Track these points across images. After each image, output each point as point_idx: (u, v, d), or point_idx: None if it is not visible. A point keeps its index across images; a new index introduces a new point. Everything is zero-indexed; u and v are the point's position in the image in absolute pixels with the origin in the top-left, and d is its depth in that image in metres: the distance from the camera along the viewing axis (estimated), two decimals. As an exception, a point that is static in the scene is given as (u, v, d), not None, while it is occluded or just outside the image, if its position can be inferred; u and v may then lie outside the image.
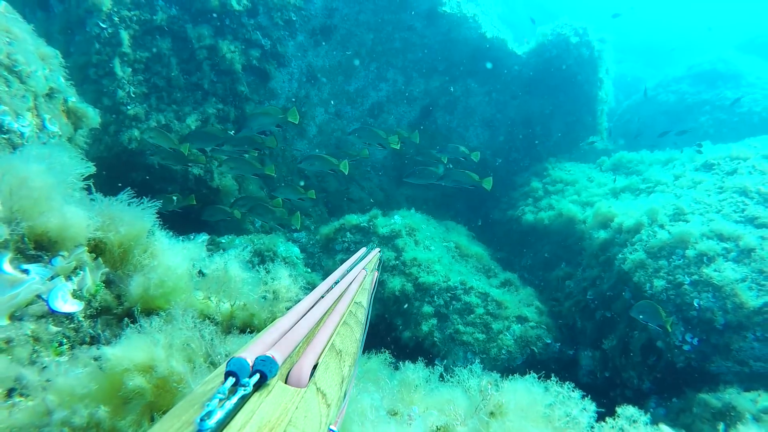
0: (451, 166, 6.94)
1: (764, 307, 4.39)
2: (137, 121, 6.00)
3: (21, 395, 1.12)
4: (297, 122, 5.55)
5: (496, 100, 9.17)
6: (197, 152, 5.51)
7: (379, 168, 8.77)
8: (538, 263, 7.51)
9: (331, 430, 0.76)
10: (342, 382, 0.89)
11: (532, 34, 9.15)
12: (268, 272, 1.83)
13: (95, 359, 1.22)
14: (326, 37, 7.77)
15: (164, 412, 1.20)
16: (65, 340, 1.31)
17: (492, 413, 1.51)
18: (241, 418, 0.57)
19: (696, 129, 12.18)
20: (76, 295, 1.39)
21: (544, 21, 9.34)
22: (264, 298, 1.78)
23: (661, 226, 5.73)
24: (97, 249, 1.49)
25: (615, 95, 12.25)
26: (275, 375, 0.69)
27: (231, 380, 0.62)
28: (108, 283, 1.48)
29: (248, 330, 1.69)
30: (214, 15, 6.48)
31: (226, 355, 1.44)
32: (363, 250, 1.90)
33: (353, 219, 6.80)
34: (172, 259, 1.56)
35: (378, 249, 2.17)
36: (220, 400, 0.56)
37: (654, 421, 1.86)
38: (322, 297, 1.10)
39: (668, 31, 22.58)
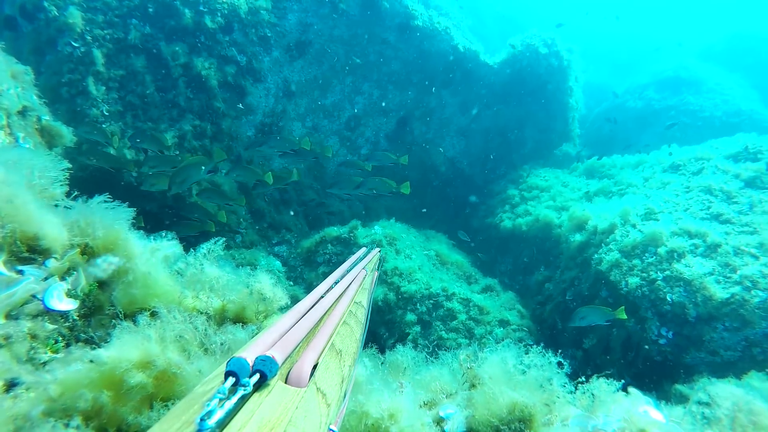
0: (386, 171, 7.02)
1: (731, 299, 4.56)
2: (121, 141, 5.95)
3: (22, 388, 1.13)
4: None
5: (471, 110, 9.37)
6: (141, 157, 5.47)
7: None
8: (518, 268, 7.64)
9: (331, 429, 0.75)
10: (342, 381, 0.89)
11: (503, 46, 9.42)
12: (251, 275, 1.86)
13: (91, 362, 1.24)
14: (301, 53, 7.86)
15: (162, 400, 1.24)
16: (60, 338, 1.33)
17: (472, 385, 1.61)
18: (241, 418, 0.57)
19: (662, 133, 12.62)
20: (71, 294, 1.41)
21: (513, 33, 9.65)
22: (251, 293, 1.81)
23: (634, 226, 5.91)
24: (87, 252, 1.52)
25: (585, 103, 12.62)
26: (275, 375, 0.69)
27: (231, 380, 0.62)
28: (101, 284, 1.51)
29: (242, 323, 1.72)
30: (189, 32, 6.53)
31: (221, 344, 1.47)
32: (363, 249, 1.89)
33: (333, 231, 6.83)
34: (153, 259, 1.59)
35: (378, 249, 2.16)
36: (220, 399, 0.56)
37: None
38: (322, 297, 1.11)
39: (633, 40, 23.40)
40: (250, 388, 0.62)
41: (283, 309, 1.96)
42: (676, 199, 6.41)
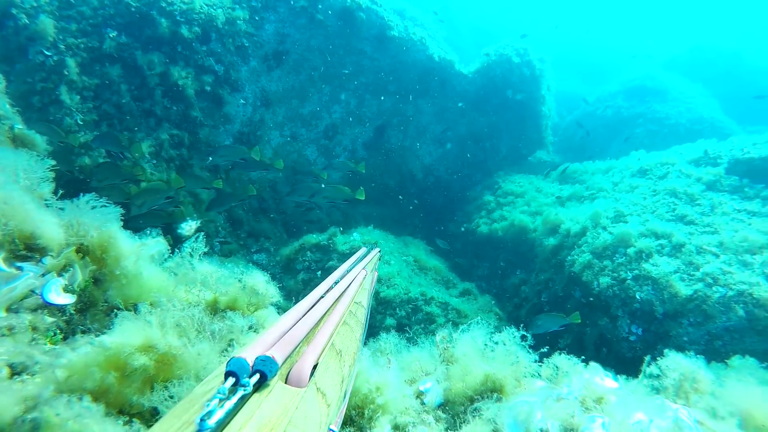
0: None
1: (694, 295, 4.78)
2: (87, 148, 5.90)
3: (28, 374, 1.18)
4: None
5: (447, 118, 9.56)
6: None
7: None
8: (494, 272, 7.80)
9: (331, 430, 0.75)
10: (342, 381, 0.89)
11: (477, 55, 9.67)
12: (244, 273, 1.94)
13: (94, 348, 1.30)
14: (279, 62, 7.93)
15: (163, 381, 1.30)
16: (58, 331, 1.38)
17: (449, 362, 1.73)
18: (241, 418, 0.57)
19: (632, 140, 13.10)
20: (68, 289, 1.46)
21: (487, 43, 9.91)
22: (244, 287, 1.89)
23: (604, 229, 6.13)
24: (82, 251, 1.56)
25: (558, 111, 12.99)
26: (275, 375, 0.69)
27: (231, 380, 0.62)
28: (95, 281, 1.55)
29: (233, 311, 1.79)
30: (165, 42, 6.53)
31: (216, 332, 1.52)
32: (363, 249, 1.90)
33: (312, 238, 6.87)
34: (143, 257, 1.64)
35: (378, 249, 2.16)
36: (220, 400, 0.56)
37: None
38: (322, 297, 1.11)
39: (603, 50, 24.19)
40: (250, 389, 0.62)
41: (275, 306, 2.03)
42: (644, 202, 6.67)
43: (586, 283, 5.68)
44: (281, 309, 2.12)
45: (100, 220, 1.59)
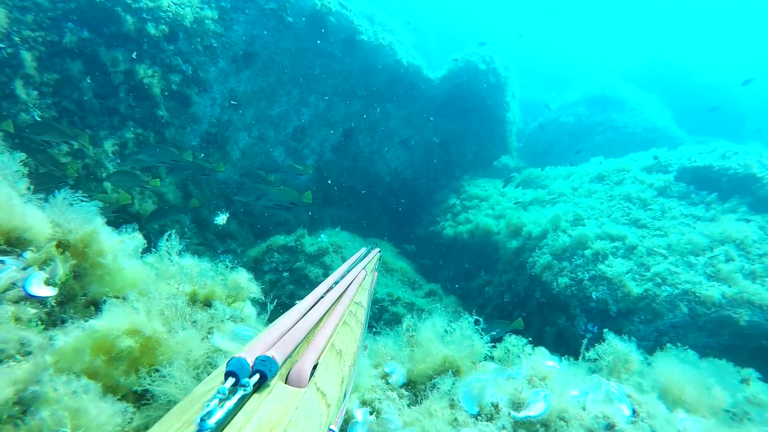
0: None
1: (644, 294, 5.07)
2: (47, 146, 5.74)
3: (14, 360, 1.21)
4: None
5: (414, 123, 9.74)
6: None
7: (304, 190, 8.92)
8: (459, 273, 7.99)
9: (331, 430, 0.76)
10: (342, 381, 0.89)
11: (445, 61, 9.90)
12: (228, 267, 2.04)
13: (83, 332, 1.36)
14: (248, 64, 7.91)
15: (148, 365, 1.36)
16: (39, 322, 1.41)
17: (412, 346, 1.91)
18: (241, 418, 0.58)
19: (592, 147, 13.66)
20: (49, 282, 1.49)
21: (455, 49, 10.17)
22: (225, 281, 1.96)
23: (564, 231, 6.39)
24: (63, 245, 1.60)
25: (522, 117, 13.40)
26: (275, 375, 0.70)
27: (231, 380, 0.62)
28: (75, 275, 1.59)
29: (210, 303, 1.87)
30: (131, 39, 6.41)
31: (195, 322, 1.58)
32: (363, 250, 1.92)
33: (280, 240, 6.88)
34: (123, 252, 1.69)
35: (378, 249, 2.19)
36: (221, 400, 0.57)
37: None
38: (322, 297, 1.11)
39: (566, 59, 25.10)
40: (250, 389, 0.62)
41: (252, 300, 2.10)
42: (601, 206, 6.99)
43: (546, 283, 5.91)
44: (258, 304, 2.20)
45: (83, 216, 1.63)
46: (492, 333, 4.48)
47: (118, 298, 1.60)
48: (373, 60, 8.77)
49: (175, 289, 1.75)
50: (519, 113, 11.62)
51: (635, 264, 5.48)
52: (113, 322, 1.34)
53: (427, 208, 9.57)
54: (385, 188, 9.75)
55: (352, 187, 9.41)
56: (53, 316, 1.48)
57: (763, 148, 7.09)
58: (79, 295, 1.57)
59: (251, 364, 0.67)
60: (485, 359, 1.90)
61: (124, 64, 6.36)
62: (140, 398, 1.34)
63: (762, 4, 34.99)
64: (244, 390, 0.61)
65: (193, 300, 1.81)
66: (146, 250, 1.91)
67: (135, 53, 6.48)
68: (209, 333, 1.63)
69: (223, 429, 0.55)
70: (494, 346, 1.96)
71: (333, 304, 1.11)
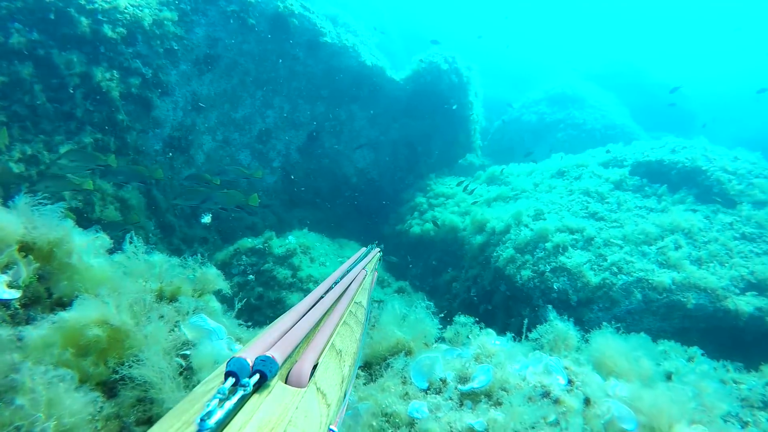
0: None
1: (602, 283, 5.31)
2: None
3: None
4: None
5: (380, 123, 9.83)
6: None
7: (271, 192, 8.90)
8: (427, 270, 8.12)
9: (331, 430, 0.75)
10: (342, 382, 0.89)
11: (409, 62, 10.04)
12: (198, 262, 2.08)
13: (53, 323, 1.38)
14: (210, 66, 7.83)
15: (117, 357, 1.39)
16: (3, 323, 1.42)
17: (373, 326, 2.05)
18: (241, 418, 0.58)
19: (554, 144, 14.08)
20: (12, 285, 1.50)
21: (419, 49, 10.32)
22: (193, 277, 2.00)
23: (526, 226, 6.60)
24: (27, 248, 1.61)
25: (487, 116, 13.68)
26: (275, 375, 0.70)
27: (231, 380, 0.62)
28: (40, 277, 1.60)
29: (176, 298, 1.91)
30: (86, 41, 6.25)
31: (165, 314, 1.62)
32: (363, 250, 1.92)
33: (248, 242, 6.85)
34: (91, 252, 1.72)
35: (378, 249, 2.18)
36: (221, 400, 0.57)
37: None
38: (322, 297, 1.11)
39: (528, 58, 25.74)
40: (250, 389, 0.62)
41: (217, 294, 2.15)
42: (561, 200, 7.25)
43: (510, 276, 6.10)
44: (226, 302, 2.24)
45: (50, 218, 1.66)
46: None
47: (88, 295, 1.63)
48: (336, 61, 8.81)
49: (143, 285, 1.78)
50: (483, 112, 11.87)
51: (593, 255, 5.72)
52: (83, 312, 1.38)
53: (395, 207, 9.69)
54: (352, 188, 9.80)
55: (319, 188, 9.43)
56: (17, 319, 1.49)
57: (708, 143, 7.51)
58: (44, 297, 1.59)
59: (251, 364, 0.67)
60: (439, 341, 2.02)
61: (80, 66, 6.20)
62: (113, 388, 1.38)
63: (706, 7, 36.96)
64: (244, 390, 0.61)
65: (160, 296, 1.85)
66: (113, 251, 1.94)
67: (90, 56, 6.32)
68: (176, 326, 1.67)
69: (223, 429, 0.55)
70: (444, 328, 2.08)
71: (333, 304, 1.11)
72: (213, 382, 0.65)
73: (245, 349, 0.71)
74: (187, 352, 1.59)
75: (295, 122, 8.98)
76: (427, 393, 1.68)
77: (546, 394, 1.64)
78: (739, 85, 21.08)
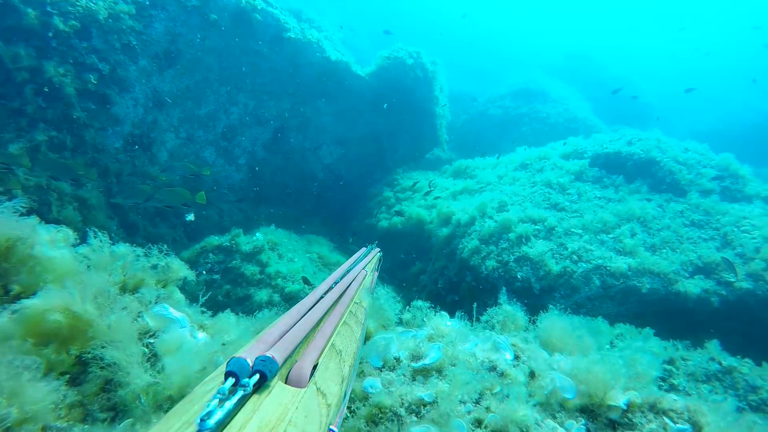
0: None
1: (563, 271, 5.50)
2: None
3: None
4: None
5: (346, 119, 9.84)
6: None
7: (237, 189, 8.80)
8: (396, 264, 8.21)
9: (331, 429, 0.75)
10: (342, 382, 0.89)
11: (374, 57, 10.07)
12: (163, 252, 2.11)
13: (13, 313, 1.41)
14: (171, 62, 7.66)
15: (80, 347, 1.40)
16: None
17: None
18: (241, 418, 0.58)
19: (519, 137, 14.39)
20: None
21: (385, 46, 10.35)
22: (155, 267, 2.03)
23: (490, 217, 6.76)
24: None
25: (453, 111, 13.86)
26: (275, 375, 0.70)
27: (231, 380, 0.63)
28: None
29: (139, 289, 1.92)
30: (35, 34, 6.02)
31: (125, 308, 1.63)
32: (363, 249, 1.94)
33: (214, 240, 6.77)
34: (54, 244, 1.71)
35: (378, 249, 2.23)
36: (221, 400, 0.57)
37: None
38: (322, 297, 1.12)
39: (493, 53, 26.16)
40: (250, 389, 0.62)
41: (179, 285, 2.17)
42: (523, 192, 7.45)
43: (475, 267, 6.24)
44: (187, 291, 2.25)
45: (9, 217, 1.66)
46: None
47: (52, 286, 1.63)
48: (301, 57, 8.77)
49: (107, 278, 1.79)
50: (448, 106, 12.03)
51: (555, 244, 5.92)
52: (46, 300, 1.40)
53: (363, 202, 9.73)
54: (320, 184, 9.79)
55: (287, 185, 9.38)
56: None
57: (662, 135, 7.85)
58: (0, 294, 1.58)
59: (251, 364, 0.67)
60: (397, 324, 2.12)
61: (28, 60, 5.96)
62: (77, 378, 1.40)
63: (666, 6, 38.34)
64: (244, 390, 0.62)
65: (124, 288, 1.86)
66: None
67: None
68: (138, 315, 1.69)
69: (223, 429, 0.55)
70: (402, 313, 2.18)
71: (333, 304, 1.12)
72: (213, 382, 0.66)
73: (245, 349, 0.72)
74: (151, 341, 1.61)
75: (261, 119, 8.90)
76: (381, 371, 1.77)
77: (493, 368, 1.76)
78: (690, 80, 22.02)
